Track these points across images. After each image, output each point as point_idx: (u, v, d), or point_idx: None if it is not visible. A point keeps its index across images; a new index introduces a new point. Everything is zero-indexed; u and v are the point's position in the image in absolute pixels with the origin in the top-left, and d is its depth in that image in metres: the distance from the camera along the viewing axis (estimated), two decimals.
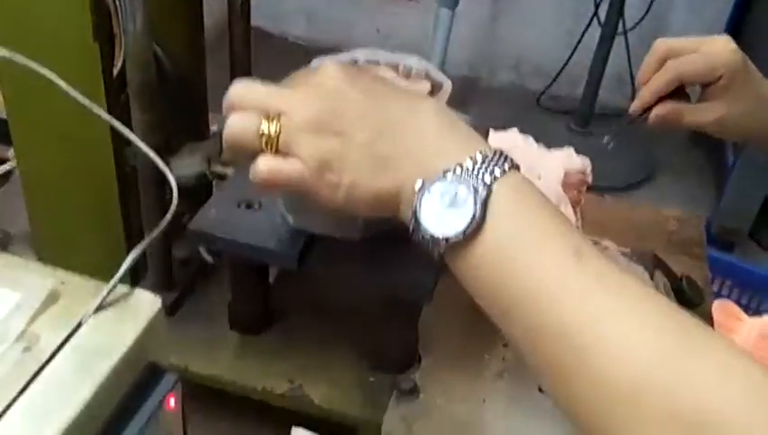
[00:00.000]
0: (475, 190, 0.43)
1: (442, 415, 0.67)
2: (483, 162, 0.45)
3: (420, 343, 0.72)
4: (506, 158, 0.46)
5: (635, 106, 0.76)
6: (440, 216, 0.44)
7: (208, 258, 0.72)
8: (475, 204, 0.43)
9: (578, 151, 0.83)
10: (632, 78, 2.54)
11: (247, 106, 0.49)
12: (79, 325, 0.38)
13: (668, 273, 0.83)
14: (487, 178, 0.44)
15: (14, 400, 0.35)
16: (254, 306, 0.72)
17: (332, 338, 0.73)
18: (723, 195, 2.13)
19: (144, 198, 0.68)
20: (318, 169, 0.47)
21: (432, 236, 0.45)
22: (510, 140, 0.88)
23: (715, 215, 2.10)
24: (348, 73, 0.50)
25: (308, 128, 0.48)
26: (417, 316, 0.72)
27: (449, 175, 0.44)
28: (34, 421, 0.34)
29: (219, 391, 0.70)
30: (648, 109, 0.74)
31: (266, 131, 0.48)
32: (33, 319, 0.38)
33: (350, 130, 0.47)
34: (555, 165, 0.78)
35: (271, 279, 0.75)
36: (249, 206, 0.66)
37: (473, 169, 0.44)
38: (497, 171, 0.44)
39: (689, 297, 0.79)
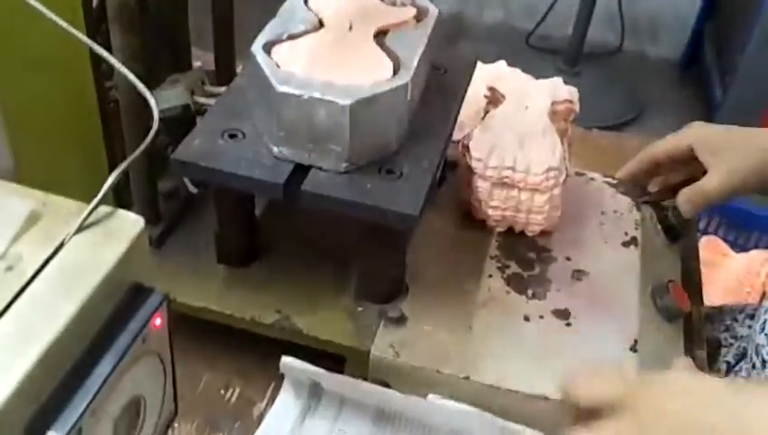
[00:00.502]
0: None
1: (429, 342, 0.67)
2: None
3: (408, 273, 0.73)
4: None
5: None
6: None
7: (193, 189, 0.71)
8: None
9: None
10: (622, 18, 2.53)
11: None
12: (61, 245, 0.38)
13: (655, 203, 0.83)
14: None
15: None
16: (241, 238, 0.72)
17: (320, 269, 0.73)
18: None
19: (126, 128, 0.68)
20: None
21: None
22: (497, 71, 0.87)
23: None
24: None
25: None
26: (404, 247, 0.73)
27: None
28: (19, 340, 0.34)
29: (208, 323, 0.70)
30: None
31: None
32: (14, 239, 0.38)
33: None
34: (542, 95, 0.77)
35: (258, 211, 0.75)
36: (233, 136, 0.65)
37: None
38: None
39: (675, 227, 0.80)
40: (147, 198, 0.72)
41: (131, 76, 0.47)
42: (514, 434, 0.64)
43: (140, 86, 0.45)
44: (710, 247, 1.47)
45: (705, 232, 1.58)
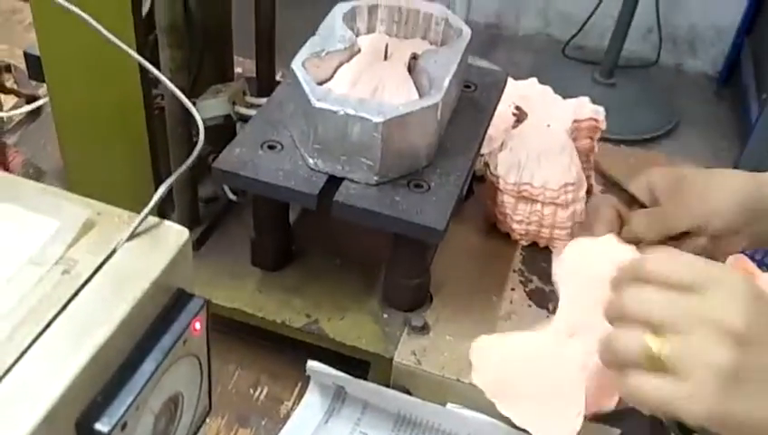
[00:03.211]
0: None
1: (450, 351, 0.70)
2: None
3: (432, 284, 0.75)
4: None
5: None
6: None
7: (232, 196, 0.75)
8: None
9: (601, 103, 0.85)
10: (660, 30, 2.52)
11: (635, 318, 0.47)
12: (113, 252, 0.41)
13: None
14: None
15: (55, 317, 0.38)
16: (276, 243, 0.75)
17: (349, 276, 0.76)
18: (745, 150, 2.13)
19: (171, 138, 0.71)
20: (713, 396, 0.44)
21: None
22: (527, 88, 0.89)
23: (737, 169, 2.10)
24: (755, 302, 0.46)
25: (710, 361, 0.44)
26: (429, 259, 0.75)
27: None
28: (74, 337, 0.37)
29: (240, 324, 0.74)
30: None
31: (653, 351, 0.45)
32: (70, 245, 0.41)
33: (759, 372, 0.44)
34: (564, 114, 0.80)
35: (292, 218, 0.78)
36: (272, 147, 0.68)
37: None
38: None
39: None
40: (188, 203, 0.76)
41: (178, 92, 0.50)
42: None
43: (187, 102, 0.49)
44: (737, 266, 1.46)
45: None
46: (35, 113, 0.98)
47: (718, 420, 0.45)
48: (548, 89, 0.90)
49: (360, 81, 0.69)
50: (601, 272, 0.53)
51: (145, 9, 0.72)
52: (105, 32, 0.51)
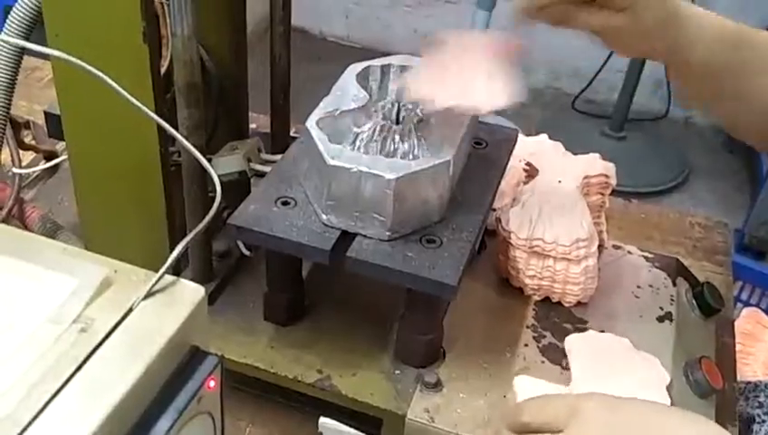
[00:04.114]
0: None
1: (464, 408, 0.69)
2: None
3: (445, 340, 0.75)
4: None
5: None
6: None
7: (246, 252, 0.75)
8: None
9: (612, 156, 0.85)
10: (668, 83, 2.55)
11: None
12: (130, 310, 0.42)
13: (690, 279, 0.84)
14: None
15: (72, 376, 0.38)
16: (288, 299, 0.76)
17: (361, 332, 0.76)
18: (756, 203, 2.13)
19: (187, 194, 0.72)
20: None
21: None
22: (538, 144, 0.90)
23: (748, 223, 2.10)
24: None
25: None
26: (442, 314, 0.75)
27: None
28: (90, 396, 0.38)
29: (253, 379, 0.74)
30: None
31: None
32: (88, 303, 0.42)
33: None
34: (575, 170, 0.81)
35: (304, 273, 0.79)
36: (286, 203, 0.69)
37: None
38: None
39: (709, 303, 0.81)
40: (202, 258, 0.76)
41: (196, 153, 0.51)
42: None
43: (204, 162, 0.50)
44: (751, 319, 1.46)
45: (748, 303, 1.57)
46: (53, 169, 1.00)
47: None
48: (559, 145, 0.91)
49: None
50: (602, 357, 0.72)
51: (163, 69, 0.74)
52: (124, 92, 0.52)
